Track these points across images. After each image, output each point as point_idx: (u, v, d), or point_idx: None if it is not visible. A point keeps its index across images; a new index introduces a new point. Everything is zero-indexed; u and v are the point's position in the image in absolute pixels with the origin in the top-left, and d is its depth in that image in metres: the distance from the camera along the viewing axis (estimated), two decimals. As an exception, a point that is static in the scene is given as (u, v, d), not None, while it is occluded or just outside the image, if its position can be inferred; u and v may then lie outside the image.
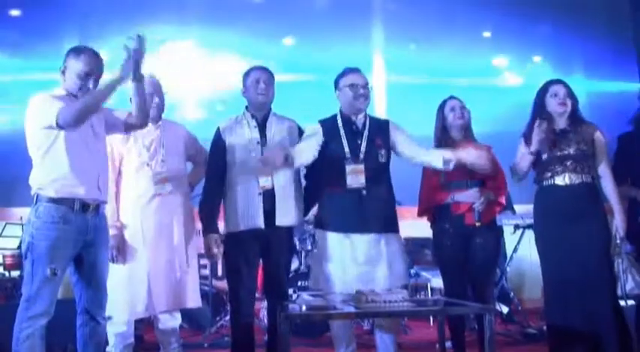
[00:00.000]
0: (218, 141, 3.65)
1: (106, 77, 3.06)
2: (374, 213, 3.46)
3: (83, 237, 3.04)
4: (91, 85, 3.03)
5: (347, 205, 3.47)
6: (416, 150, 3.59)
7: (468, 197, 3.67)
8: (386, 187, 3.58)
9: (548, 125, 3.50)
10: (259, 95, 3.62)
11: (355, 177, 3.46)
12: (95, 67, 3.05)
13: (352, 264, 3.42)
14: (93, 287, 3.10)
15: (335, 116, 3.64)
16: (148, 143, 3.70)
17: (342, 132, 3.56)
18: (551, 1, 7.41)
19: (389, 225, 3.53)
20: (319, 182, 3.60)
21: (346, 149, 3.52)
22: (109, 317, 3.30)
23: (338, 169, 3.49)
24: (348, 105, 3.59)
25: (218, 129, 3.67)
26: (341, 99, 3.63)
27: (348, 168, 3.47)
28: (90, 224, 3.05)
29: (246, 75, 3.69)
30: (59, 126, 2.91)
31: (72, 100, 3.01)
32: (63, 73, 3.08)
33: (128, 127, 3.30)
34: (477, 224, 3.63)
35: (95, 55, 3.08)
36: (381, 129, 3.62)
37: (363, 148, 3.52)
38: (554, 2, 7.39)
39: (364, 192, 3.45)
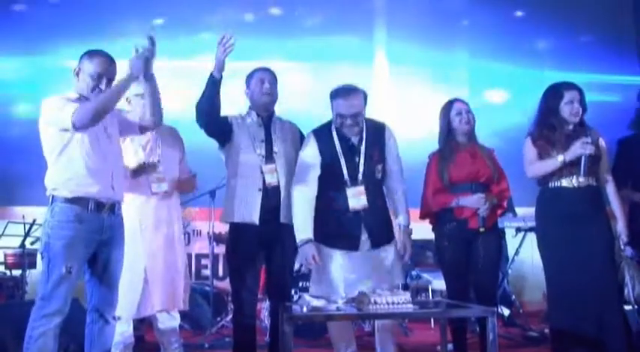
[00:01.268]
0: (225, 121, 3.59)
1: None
2: (372, 230, 3.47)
3: (98, 237, 3.06)
4: (103, 87, 3.06)
5: (345, 224, 3.45)
6: (389, 184, 3.58)
7: (473, 203, 3.63)
8: (382, 201, 3.56)
9: (559, 129, 3.50)
10: (264, 95, 3.61)
11: (357, 200, 3.44)
12: (107, 69, 3.09)
13: (348, 276, 3.41)
14: (104, 285, 3.12)
15: (330, 127, 3.55)
16: (144, 142, 3.72)
17: (338, 149, 3.50)
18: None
19: (385, 237, 3.53)
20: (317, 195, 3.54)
21: (344, 171, 3.47)
22: (118, 318, 3.31)
23: (335, 188, 3.47)
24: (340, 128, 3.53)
25: (226, 117, 3.61)
26: (333, 118, 3.55)
27: (349, 191, 3.44)
28: (105, 223, 3.08)
29: (250, 76, 3.69)
30: (75, 128, 2.95)
31: (84, 101, 3.04)
32: (77, 74, 3.12)
33: (143, 128, 3.34)
34: (481, 229, 3.62)
35: (108, 58, 3.12)
36: (377, 139, 3.56)
37: (361, 167, 3.49)
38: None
39: (362, 213, 3.45)
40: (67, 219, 2.97)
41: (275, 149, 3.61)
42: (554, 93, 3.60)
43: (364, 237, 3.45)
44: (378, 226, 3.50)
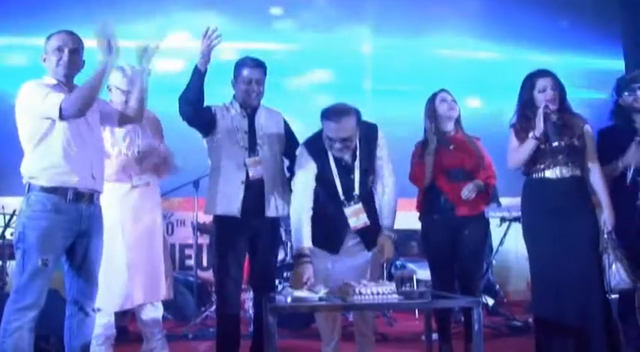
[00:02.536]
0: (209, 111, 3.53)
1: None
2: (366, 238, 3.46)
3: (77, 227, 2.98)
4: (65, 58, 2.97)
5: (341, 233, 3.45)
6: (377, 186, 3.52)
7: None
8: (373, 207, 3.52)
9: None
10: (249, 96, 3.54)
11: (357, 218, 3.41)
12: (65, 40, 2.99)
13: (339, 276, 3.38)
14: (83, 277, 3.05)
15: (323, 142, 3.42)
16: (124, 133, 3.64)
17: (333, 168, 3.43)
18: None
19: (375, 238, 3.49)
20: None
21: (340, 190, 3.43)
22: (99, 310, 3.25)
23: (331, 204, 3.44)
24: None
25: (210, 107, 3.55)
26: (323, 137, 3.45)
27: (347, 211, 3.41)
28: (84, 213, 2.99)
29: (239, 69, 3.56)
30: (62, 118, 2.86)
31: (62, 88, 2.96)
32: (44, 61, 3.03)
33: (123, 120, 3.27)
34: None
35: (64, 32, 3.03)
36: (369, 149, 3.48)
37: (356, 185, 3.43)
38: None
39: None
40: (44, 209, 2.88)
41: (259, 141, 3.56)
42: (526, 83, 3.56)
43: (358, 241, 3.46)
44: (370, 233, 3.47)
